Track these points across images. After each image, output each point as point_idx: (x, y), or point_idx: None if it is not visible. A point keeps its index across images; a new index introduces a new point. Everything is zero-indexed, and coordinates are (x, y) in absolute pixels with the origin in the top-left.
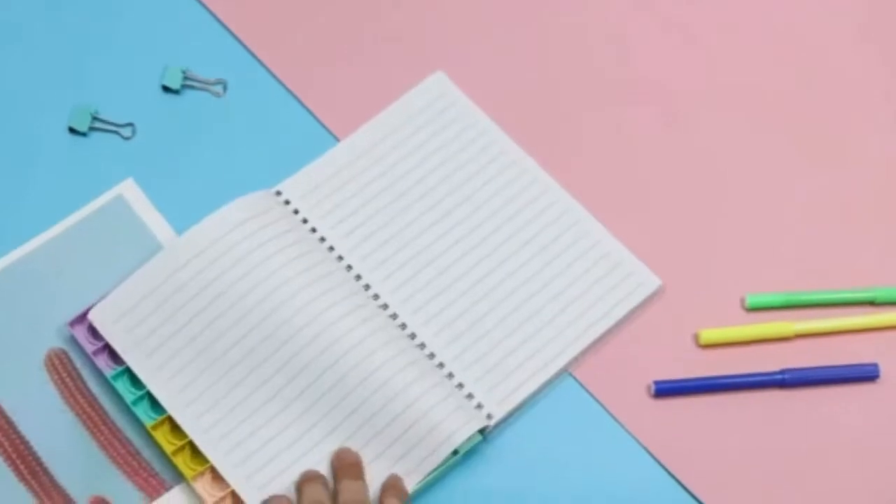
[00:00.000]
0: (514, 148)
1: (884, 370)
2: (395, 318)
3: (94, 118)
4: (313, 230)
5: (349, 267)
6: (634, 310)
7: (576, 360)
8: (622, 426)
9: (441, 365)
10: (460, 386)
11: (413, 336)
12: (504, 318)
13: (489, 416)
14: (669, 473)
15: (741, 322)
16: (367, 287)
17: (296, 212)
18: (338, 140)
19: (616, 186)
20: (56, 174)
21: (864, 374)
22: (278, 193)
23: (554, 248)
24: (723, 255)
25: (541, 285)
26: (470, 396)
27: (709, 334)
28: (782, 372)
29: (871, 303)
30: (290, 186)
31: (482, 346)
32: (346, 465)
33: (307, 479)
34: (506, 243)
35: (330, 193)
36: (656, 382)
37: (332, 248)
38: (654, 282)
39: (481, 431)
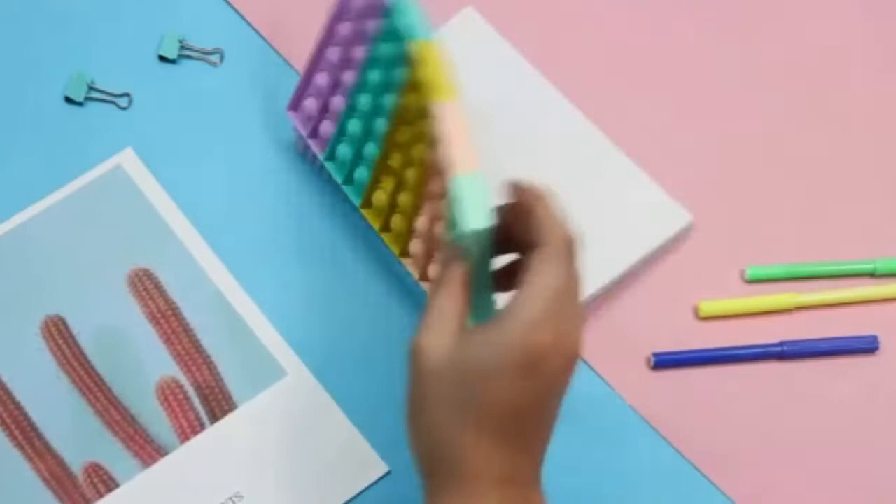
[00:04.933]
0: (544, 82)
1: (883, 342)
2: None
3: (91, 88)
4: None
5: None
6: (664, 245)
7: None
8: (621, 398)
9: None
10: None
11: None
12: None
13: None
14: (669, 444)
15: (741, 294)
16: None
17: None
18: None
19: None
20: (52, 144)
21: (864, 346)
22: None
23: (584, 185)
24: (723, 227)
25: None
26: None
27: (708, 306)
28: (781, 344)
29: (871, 275)
30: None
31: None
32: None
33: None
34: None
35: None
36: (655, 354)
37: None
38: (683, 217)
39: None
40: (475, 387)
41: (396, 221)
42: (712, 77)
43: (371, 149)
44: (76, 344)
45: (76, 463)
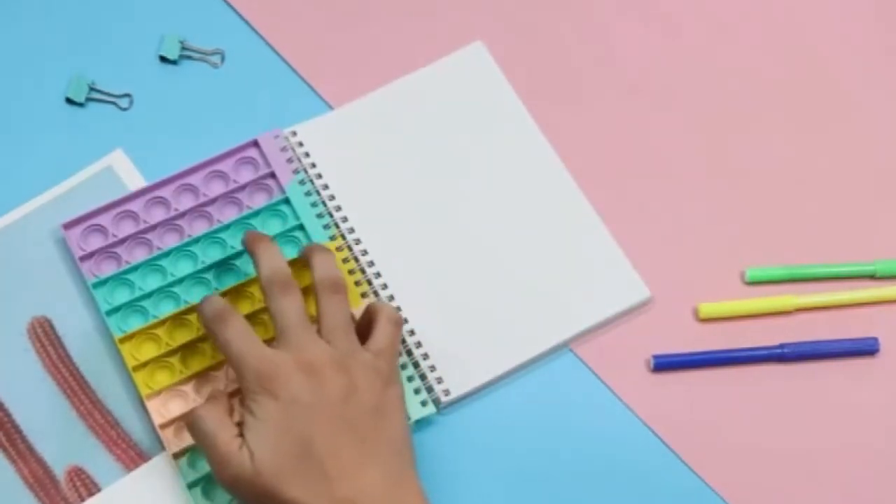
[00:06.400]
0: (536, 132)
1: (883, 344)
2: (378, 277)
3: (92, 89)
4: (320, 175)
5: (345, 218)
6: (615, 317)
7: (544, 354)
8: (621, 401)
9: (412, 332)
10: (426, 356)
11: (391, 298)
12: (487, 300)
13: (447, 392)
14: (668, 448)
15: (741, 296)
16: (357, 241)
17: (307, 154)
18: None
19: (621, 162)
20: (51, 144)
21: (864, 348)
22: (294, 134)
23: (554, 245)
24: (723, 229)
25: (529, 277)
26: (433, 368)
27: (708, 308)
28: (782, 346)
29: (872, 276)
30: (306, 129)
31: (459, 323)
32: (328, 282)
33: (282, 286)
34: (506, 228)
35: (343, 144)
36: (655, 357)
37: (332, 197)
38: (643, 292)
39: (436, 404)
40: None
41: (160, 376)
42: (709, 81)
43: (164, 305)
44: (62, 346)
45: (58, 466)
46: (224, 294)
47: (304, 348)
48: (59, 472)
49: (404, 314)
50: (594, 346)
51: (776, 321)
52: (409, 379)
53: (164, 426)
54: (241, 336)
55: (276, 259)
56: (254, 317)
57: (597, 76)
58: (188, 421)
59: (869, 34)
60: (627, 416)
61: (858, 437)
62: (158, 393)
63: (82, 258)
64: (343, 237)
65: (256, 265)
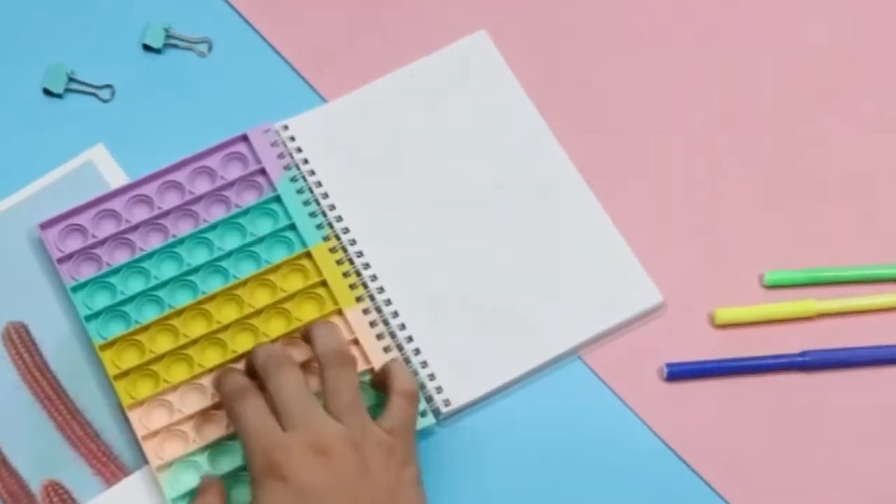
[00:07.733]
0: (544, 128)
1: None
2: (374, 280)
3: (71, 79)
4: (312, 172)
5: (339, 218)
6: (625, 323)
7: (551, 362)
8: (632, 411)
9: (409, 338)
10: (424, 364)
11: (388, 302)
12: (490, 307)
13: (447, 402)
14: (682, 460)
15: (759, 300)
16: (352, 242)
17: (299, 150)
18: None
19: (633, 160)
20: (27, 138)
21: (890, 357)
22: (286, 128)
23: (561, 245)
24: (740, 230)
25: (534, 281)
26: (432, 377)
27: (725, 313)
28: (803, 354)
29: None
30: (299, 123)
31: (460, 329)
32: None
33: (280, 365)
34: (510, 229)
35: (338, 139)
36: (668, 365)
37: (326, 195)
38: (655, 297)
39: (435, 414)
40: None
41: (143, 385)
42: (728, 76)
43: (147, 309)
44: (38, 353)
45: (34, 480)
46: (211, 298)
47: (313, 428)
48: (35, 486)
49: (402, 319)
50: (604, 353)
51: (797, 327)
52: None
53: (146, 438)
54: (256, 415)
55: (266, 345)
56: (244, 321)
57: (605, 67)
58: None
59: (874, 33)
60: (639, 427)
61: (885, 450)
62: (141, 403)
63: (60, 260)
64: (337, 237)
65: (252, 357)
